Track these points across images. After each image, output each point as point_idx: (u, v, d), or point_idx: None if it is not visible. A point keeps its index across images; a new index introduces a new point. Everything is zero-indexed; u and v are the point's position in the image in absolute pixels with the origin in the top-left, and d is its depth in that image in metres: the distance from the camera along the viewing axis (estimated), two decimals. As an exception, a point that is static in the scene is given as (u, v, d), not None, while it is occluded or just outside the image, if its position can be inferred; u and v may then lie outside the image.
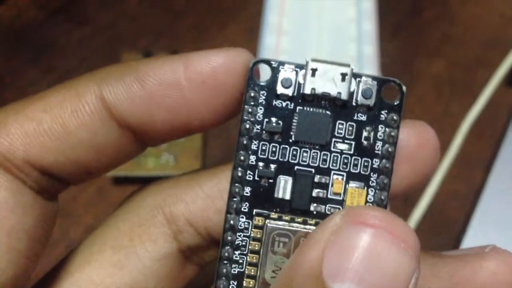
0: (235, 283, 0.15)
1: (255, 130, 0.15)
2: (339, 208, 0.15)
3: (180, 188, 0.17)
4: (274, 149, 0.15)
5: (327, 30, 0.46)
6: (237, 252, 0.15)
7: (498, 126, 0.42)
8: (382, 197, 0.16)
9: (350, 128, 0.15)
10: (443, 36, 0.47)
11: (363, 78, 0.15)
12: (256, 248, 0.15)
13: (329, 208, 0.15)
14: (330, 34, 0.45)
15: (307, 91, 0.15)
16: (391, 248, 0.13)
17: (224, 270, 0.15)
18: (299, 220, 0.15)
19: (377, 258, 0.13)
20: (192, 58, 0.15)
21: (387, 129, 0.15)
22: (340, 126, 0.15)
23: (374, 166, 0.15)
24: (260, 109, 0.15)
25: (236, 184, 0.15)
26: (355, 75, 0.15)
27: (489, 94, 0.43)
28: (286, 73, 0.15)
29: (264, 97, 0.15)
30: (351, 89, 0.15)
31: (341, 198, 0.15)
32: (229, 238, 0.15)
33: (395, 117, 0.15)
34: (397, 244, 0.13)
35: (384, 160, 0.16)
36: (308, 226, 0.15)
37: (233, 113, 0.16)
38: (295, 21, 0.46)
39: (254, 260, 0.15)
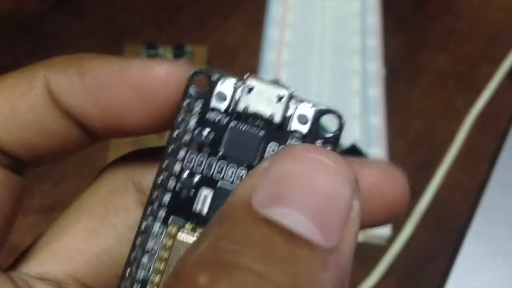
0: (139, 287, 0.15)
1: (184, 138, 0.15)
2: None
3: (149, 160, 0.18)
4: (201, 160, 0.15)
5: (331, 23, 0.45)
6: (146, 256, 0.15)
7: (503, 120, 0.42)
8: None
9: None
10: (447, 30, 0.47)
11: (303, 104, 0.15)
12: (165, 255, 0.15)
13: None
14: (333, 27, 0.45)
15: (240, 108, 0.15)
16: (322, 174, 0.13)
17: (130, 272, 0.15)
18: None
19: (311, 184, 0.13)
20: (130, 63, 0.16)
21: None
22: (270, 149, 0.15)
23: None
24: (193, 119, 0.15)
25: (158, 189, 0.15)
26: (297, 99, 0.15)
27: (493, 88, 0.43)
28: (222, 87, 0.15)
29: (199, 108, 0.15)
30: (287, 113, 0.15)
31: None
32: (140, 241, 0.15)
33: (328, 149, 0.15)
34: (329, 171, 0.13)
35: None
36: None
37: (170, 123, 0.16)
38: (299, 14, 0.46)
39: (161, 268, 0.15)
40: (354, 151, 0.38)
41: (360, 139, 0.39)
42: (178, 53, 0.42)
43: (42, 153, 0.17)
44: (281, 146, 0.15)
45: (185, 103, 0.15)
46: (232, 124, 0.15)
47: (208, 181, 0.15)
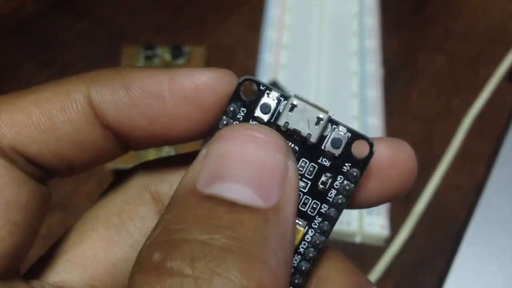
0: None
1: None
2: None
3: (166, 169, 0.18)
4: None
5: (329, 24, 0.45)
6: None
7: (500, 121, 0.42)
8: (318, 242, 0.16)
9: (311, 169, 0.16)
10: (446, 31, 0.47)
11: (339, 128, 0.16)
12: None
13: None
14: (331, 28, 0.45)
15: (281, 123, 0.16)
16: (252, 145, 0.14)
17: None
18: None
19: (244, 156, 0.14)
20: (178, 73, 0.16)
21: (345, 181, 0.16)
22: (303, 164, 0.16)
23: (322, 210, 0.16)
24: (236, 123, 0.16)
25: None
26: (333, 122, 0.16)
27: (491, 89, 0.43)
28: (268, 99, 0.16)
29: (243, 114, 0.16)
30: (324, 134, 0.16)
31: None
32: None
33: (355, 173, 0.16)
34: (257, 141, 0.15)
35: (332, 209, 0.16)
36: None
37: (211, 128, 0.17)
38: (297, 15, 0.46)
39: None
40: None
41: None
42: (176, 54, 0.42)
43: (76, 164, 0.17)
44: (311, 163, 0.16)
45: (231, 108, 0.16)
46: None
47: None
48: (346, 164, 0.16)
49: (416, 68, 0.45)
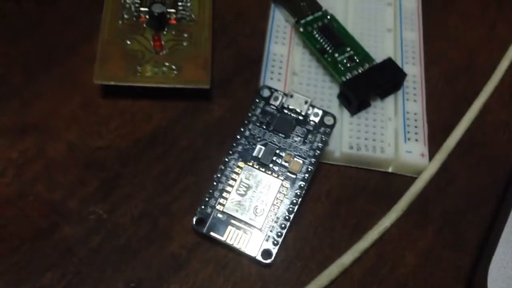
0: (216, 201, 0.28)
1: (253, 120, 0.28)
2: (285, 168, 0.27)
3: None
4: (260, 130, 0.28)
5: None
6: (224, 177, 0.28)
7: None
8: (310, 166, 0.28)
9: (304, 130, 0.28)
10: None
11: (315, 109, 0.28)
12: (236, 177, 0.27)
13: (277, 168, 0.27)
14: None
15: (284, 105, 0.28)
16: None
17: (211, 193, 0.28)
18: (263, 169, 0.27)
19: None
20: None
21: (321, 136, 0.28)
22: (298, 128, 0.28)
23: (309, 153, 0.27)
24: (259, 109, 0.28)
25: (234, 147, 0.28)
26: (313, 106, 0.28)
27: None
28: (277, 94, 0.29)
29: (263, 104, 0.28)
30: (308, 112, 0.28)
31: (286, 164, 0.27)
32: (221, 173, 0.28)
33: (327, 131, 0.28)
34: None
35: (315, 151, 0.27)
36: (265, 173, 0.27)
37: None
38: None
39: (234, 184, 0.27)
40: (390, 65, 0.32)
41: (394, 55, 0.34)
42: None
43: None
44: (302, 129, 0.28)
45: (257, 100, 0.28)
46: (279, 113, 0.28)
47: (263, 141, 0.27)
48: (321, 127, 0.28)
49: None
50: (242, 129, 0.27)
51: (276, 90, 0.28)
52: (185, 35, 0.33)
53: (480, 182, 0.31)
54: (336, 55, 0.33)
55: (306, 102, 0.28)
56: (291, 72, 0.32)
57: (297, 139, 0.27)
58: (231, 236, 0.26)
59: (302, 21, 0.34)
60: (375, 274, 0.28)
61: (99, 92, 0.32)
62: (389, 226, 0.29)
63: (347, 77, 0.32)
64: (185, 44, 0.33)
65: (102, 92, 0.32)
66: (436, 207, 0.30)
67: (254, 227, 0.26)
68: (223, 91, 0.33)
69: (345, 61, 0.33)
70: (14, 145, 0.30)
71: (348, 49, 0.33)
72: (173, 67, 0.31)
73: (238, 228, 0.26)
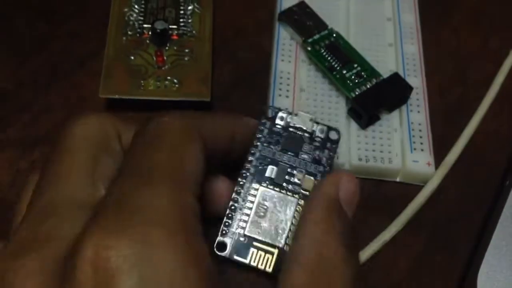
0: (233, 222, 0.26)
1: (261, 140, 0.27)
2: (299, 186, 0.26)
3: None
4: (269, 150, 0.26)
5: None
6: (240, 200, 0.26)
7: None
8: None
9: (311, 147, 0.27)
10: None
11: (319, 125, 0.27)
12: (252, 199, 0.26)
13: (291, 186, 0.26)
14: None
15: (291, 124, 0.27)
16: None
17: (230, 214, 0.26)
18: (277, 189, 0.26)
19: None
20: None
21: (328, 152, 0.27)
22: (305, 146, 0.27)
23: (319, 169, 0.26)
24: (266, 130, 0.27)
25: (246, 168, 0.26)
26: (317, 122, 0.27)
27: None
28: (282, 114, 0.27)
29: (269, 124, 0.27)
30: (313, 129, 0.27)
31: (299, 182, 0.26)
32: (238, 193, 0.26)
33: (333, 146, 0.27)
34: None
35: (324, 167, 0.26)
36: (280, 192, 0.26)
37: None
38: None
39: (250, 206, 0.26)
40: (397, 80, 0.34)
41: (396, 68, 0.35)
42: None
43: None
44: (309, 146, 0.27)
45: (263, 120, 0.27)
46: (286, 132, 0.27)
47: (274, 161, 0.26)
48: (328, 143, 0.27)
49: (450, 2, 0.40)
50: (252, 151, 0.27)
51: (280, 109, 0.27)
52: (187, 50, 0.34)
53: (472, 190, 0.32)
54: (344, 71, 0.34)
55: (311, 120, 0.27)
56: (299, 89, 0.34)
57: (306, 156, 0.27)
58: (254, 258, 0.26)
59: (310, 40, 0.35)
60: (368, 279, 0.29)
61: (104, 105, 0.33)
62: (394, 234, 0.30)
63: (356, 93, 0.33)
64: (186, 59, 0.34)
65: (108, 105, 0.33)
66: (429, 214, 0.31)
67: (277, 247, 0.25)
68: (223, 103, 0.34)
69: (353, 77, 0.34)
70: (25, 156, 0.31)
71: (355, 65, 0.34)
72: (175, 81, 0.33)
73: (261, 249, 0.25)
